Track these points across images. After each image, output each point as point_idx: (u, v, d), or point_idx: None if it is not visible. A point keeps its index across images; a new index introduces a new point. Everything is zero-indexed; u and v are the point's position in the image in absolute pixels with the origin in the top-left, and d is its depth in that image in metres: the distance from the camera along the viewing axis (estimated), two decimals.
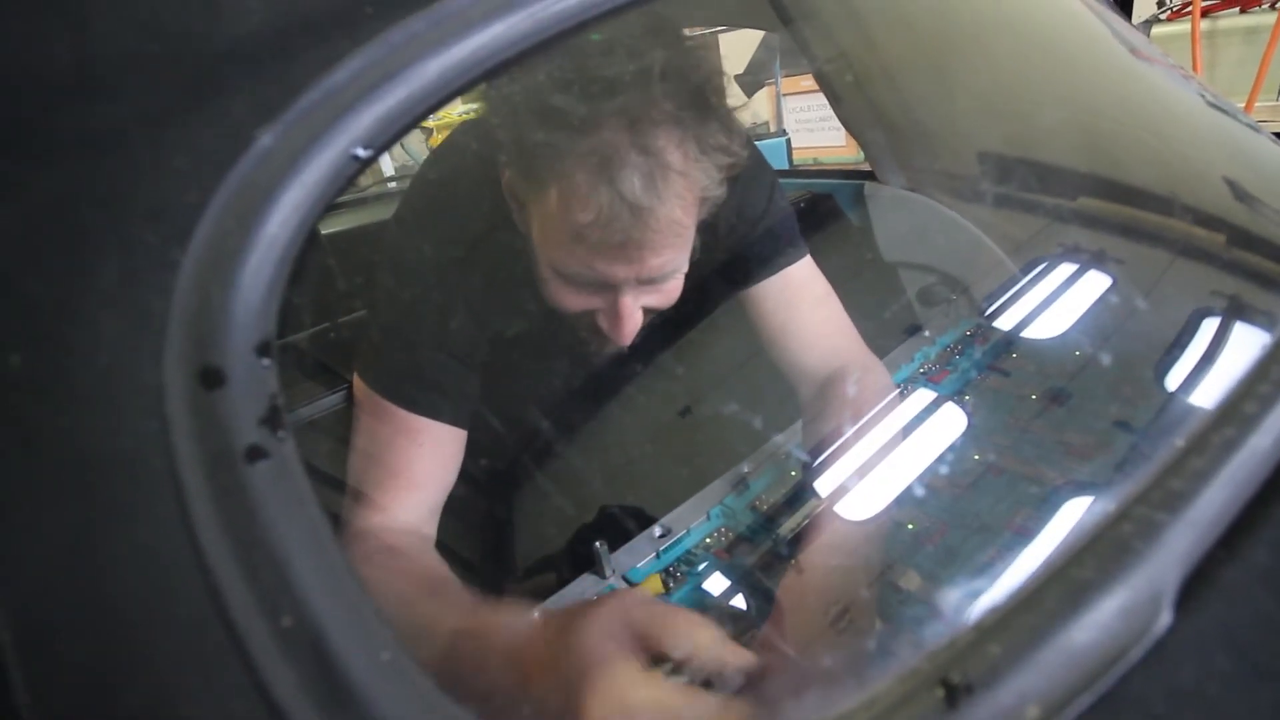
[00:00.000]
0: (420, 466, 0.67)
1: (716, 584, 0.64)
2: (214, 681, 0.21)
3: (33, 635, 0.21)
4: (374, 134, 0.31)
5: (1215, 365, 0.84)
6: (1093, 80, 1.07)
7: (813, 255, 0.82)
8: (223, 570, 0.22)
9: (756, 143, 0.85)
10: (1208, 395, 0.80)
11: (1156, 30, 2.79)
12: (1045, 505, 0.69)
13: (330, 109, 0.30)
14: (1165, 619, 0.22)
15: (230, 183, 0.28)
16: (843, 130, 1.27)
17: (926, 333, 0.89)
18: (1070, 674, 0.21)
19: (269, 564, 0.22)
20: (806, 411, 0.78)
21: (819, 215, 1.16)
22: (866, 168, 1.22)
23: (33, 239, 0.26)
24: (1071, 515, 0.66)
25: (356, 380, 0.71)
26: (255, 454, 0.24)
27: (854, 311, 0.85)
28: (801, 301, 0.79)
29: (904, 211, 1.10)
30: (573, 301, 0.67)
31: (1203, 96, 1.05)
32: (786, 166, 1.58)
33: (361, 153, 0.30)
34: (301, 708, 0.21)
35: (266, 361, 0.26)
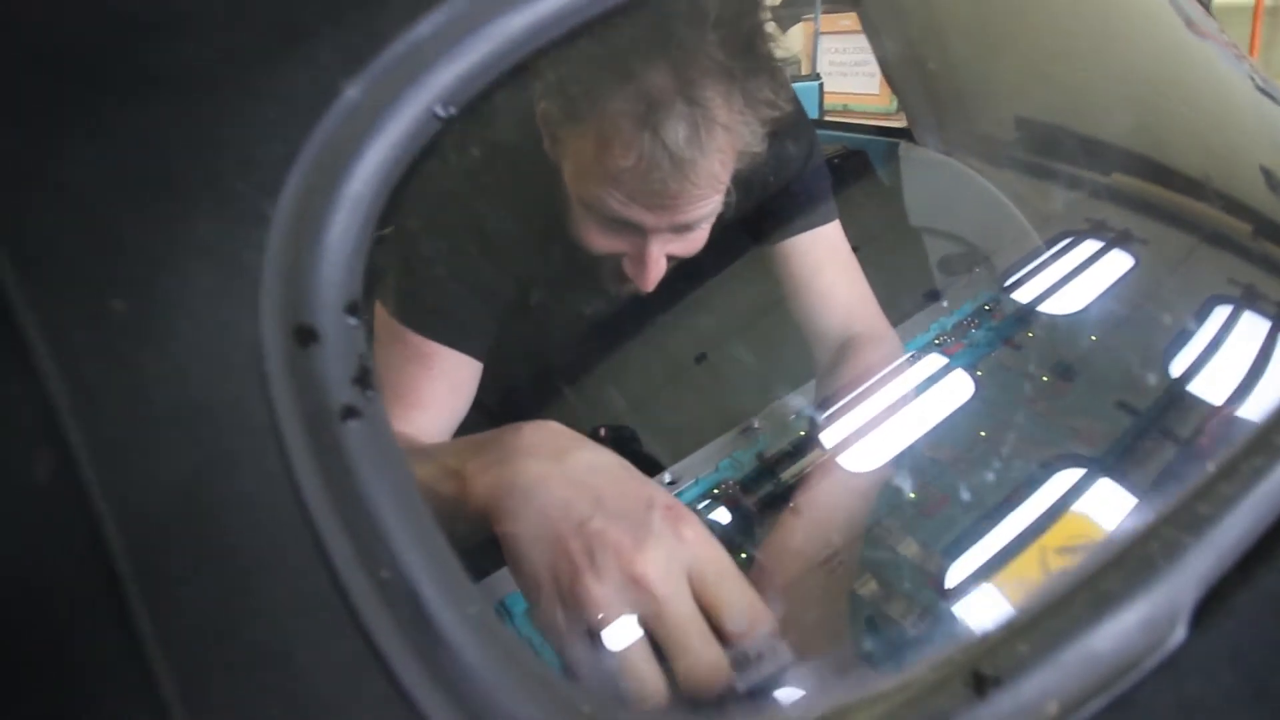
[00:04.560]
0: (430, 390, 0.69)
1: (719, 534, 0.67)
2: (320, 626, 0.23)
3: (153, 576, 0.23)
4: (456, 91, 0.31)
5: (1218, 354, 0.87)
6: (1142, 52, 1.05)
7: (840, 211, 0.82)
8: (325, 523, 0.24)
9: None
10: (1207, 383, 0.83)
11: (1219, 1, 2.69)
12: (1039, 481, 0.72)
13: (415, 63, 0.30)
14: (1180, 634, 0.25)
15: (318, 136, 0.28)
16: (877, 78, 1.24)
17: (945, 303, 0.90)
18: (1089, 677, 0.24)
19: (366, 519, 0.24)
20: (820, 374, 0.80)
21: (850, 171, 1.15)
22: (899, 122, 1.21)
23: (130, 182, 0.26)
24: (1064, 491, 0.69)
25: (377, 305, 0.72)
26: (349, 413, 0.26)
27: (873, 273, 0.86)
28: (827, 264, 0.81)
29: (937, 176, 1.09)
30: (599, 241, 0.67)
31: (1252, 80, 1.04)
32: (817, 114, 1.54)
33: (442, 111, 0.31)
34: (399, 652, 0.23)
35: (354, 321, 0.27)
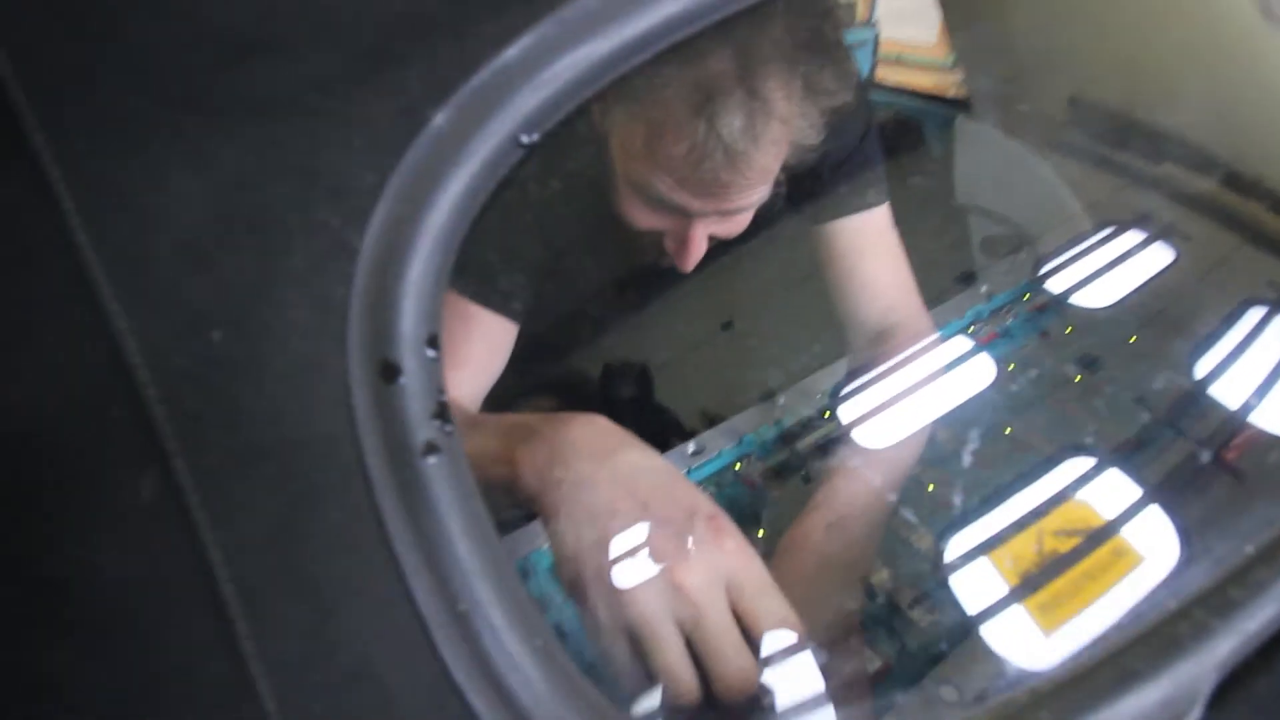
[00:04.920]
0: (469, 350, 0.69)
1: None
2: (403, 655, 0.24)
3: (254, 600, 0.24)
4: (539, 118, 0.30)
5: (1243, 357, 0.86)
6: (1207, 36, 0.98)
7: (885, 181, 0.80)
8: (407, 557, 0.25)
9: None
10: (1229, 386, 0.82)
11: None
12: (1048, 469, 0.72)
13: (500, 90, 0.29)
14: (1196, 715, 0.26)
15: (405, 165, 0.28)
16: (936, 26, 1.17)
17: (984, 288, 0.88)
18: None
19: (445, 555, 0.25)
20: (853, 361, 0.79)
21: (900, 141, 1.10)
22: (955, 83, 1.15)
23: (226, 212, 0.26)
24: (1070, 479, 0.70)
25: None
26: (430, 448, 0.26)
27: (911, 248, 0.84)
28: (871, 250, 0.78)
29: (991, 153, 1.05)
30: (642, 219, 0.66)
31: None
32: (870, 65, 1.45)
33: (526, 139, 0.30)
34: (473, 683, 0.24)
35: (434, 353, 0.28)
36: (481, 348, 0.71)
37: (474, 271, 0.70)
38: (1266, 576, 0.28)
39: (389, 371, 0.27)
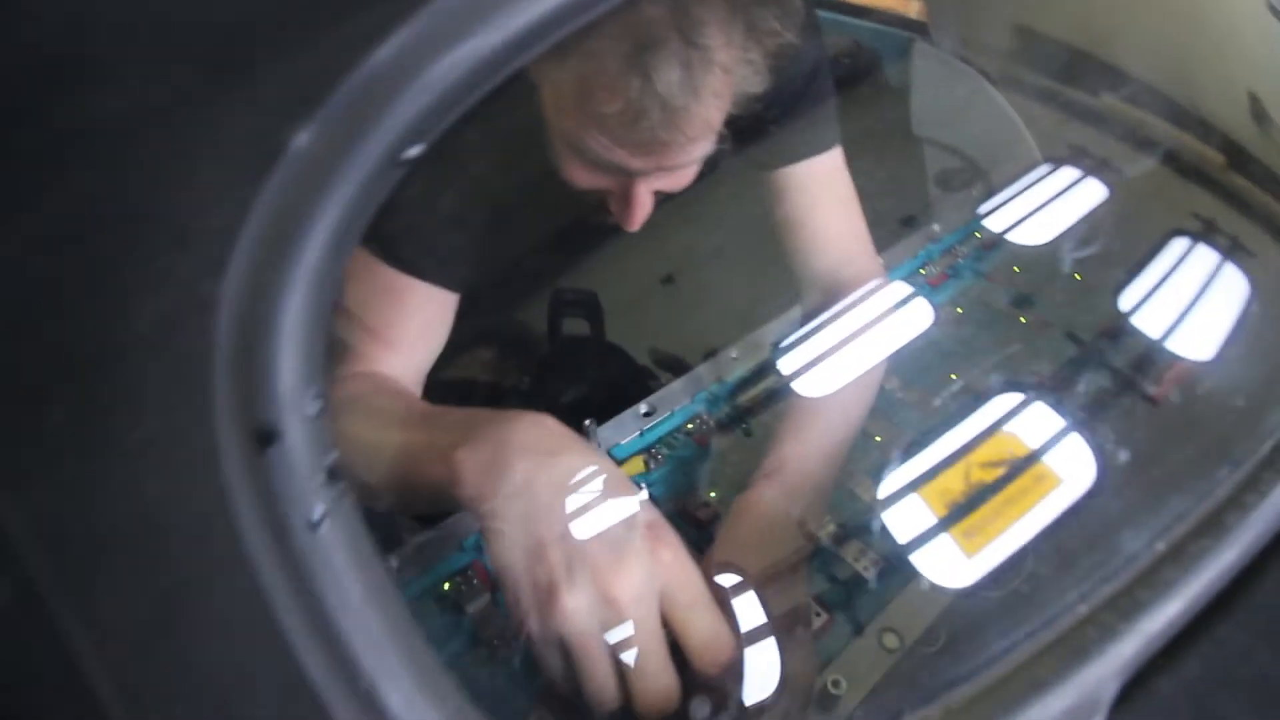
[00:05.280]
0: (406, 327, 0.65)
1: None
2: None
3: (135, 699, 0.22)
4: (423, 128, 0.26)
5: (1166, 287, 0.88)
6: None
7: (841, 112, 0.75)
8: (300, 639, 0.23)
9: None
10: (1152, 317, 0.84)
11: None
12: (979, 405, 0.74)
13: (372, 99, 0.25)
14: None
15: (265, 198, 0.23)
16: None
17: (936, 226, 0.87)
18: None
19: (343, 630, 0.23)
20: (806, 314, 0.77)
21: (857, 71, 1.04)
22: (915, 11, 1.08)
23: (53, 273, 0.22)
24: (1000, 414, 0.72)
25: None
26: (317, 520, 0.24)
27: (866, 182, 0.80)
28: (823, 198, 0.74)
29: (948, 82, 0.99)
30: (582, 178, 0.61)
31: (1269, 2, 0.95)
32: None
33: (409, 154, 0.26)
34: None
35: (319, 405, 0.25)
36: (418, 323, 0.66)
37: (405, 241, 0.64)
38: (1175, 575, 0.28)
39: (264, 437, 0.24)
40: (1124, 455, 0.67)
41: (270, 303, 0.24)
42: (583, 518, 0.36)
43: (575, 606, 0.35)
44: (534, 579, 0.36)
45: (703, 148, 0.58)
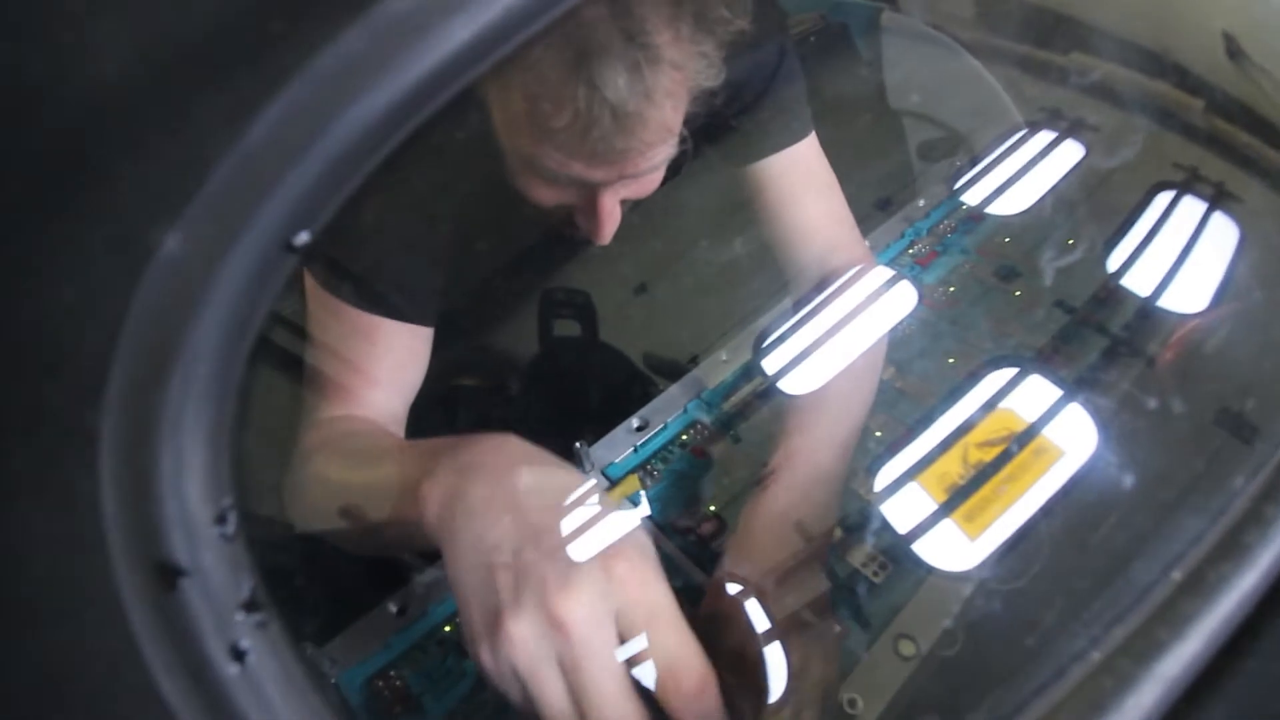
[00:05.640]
0: (379, 365, 0.62)
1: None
2: None
3: None
4: (312, 209, 0.23)
5: (1154, 244, 0.84)
6: None
7: (812, 93, 0.71)
8: None
9: None
10: (1142, 275, 0.81)
11: None
12: (973, 384, 0.71)
13: (249, 186, 0.21)
14: None
15: (136, 311, 0.20)
16: None
17: (920, 202, 0.83)
18: None
19: None
20: (797, 306, 0.73)
21: (827, 48, 1.00)
22: None
23: None
24: (994, 391, 0.69)
25: (306, 277, 0.62)
26: (238, 653, 0.21)
27: (849, 161, 0.77)
28: (802, 186, 0.71)
29: (921, 51, 0.95)
30: (543, 195, 0.57)
31: None
32: None
33: (300, 241, 0.23)
34: None
35: (230, 528, 0.22)
36: (392, 361, 0.63)
37: (368, 281, 0.61)
38: (1194, 608, 0.25)
39: (168, 574, 0.21)
40: (1126, 422, 0.64)
41: (156, 427, 0.21)
42: (534, 537, 0.32)
43: (520, 633, 0.31)
44: (482, 604, 0.32)
45: (664, 151, 0.54)
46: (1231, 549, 0.25)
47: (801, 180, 0.71)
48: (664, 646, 0.32)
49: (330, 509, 0.53)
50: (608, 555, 0.32)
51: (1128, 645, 0.24)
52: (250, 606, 0.21)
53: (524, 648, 0.31)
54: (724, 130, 0.68)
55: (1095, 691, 0.24)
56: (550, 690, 0.31)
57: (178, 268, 0.21)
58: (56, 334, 0.20)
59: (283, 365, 0.68)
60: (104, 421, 0.20)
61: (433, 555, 0.60)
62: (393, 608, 0.57)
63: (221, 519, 0.21)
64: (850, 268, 0.72)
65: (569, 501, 0.34)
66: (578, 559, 0.32)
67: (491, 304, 0.73)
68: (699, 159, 0.76)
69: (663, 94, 0.47)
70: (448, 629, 0.56)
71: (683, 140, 0.56)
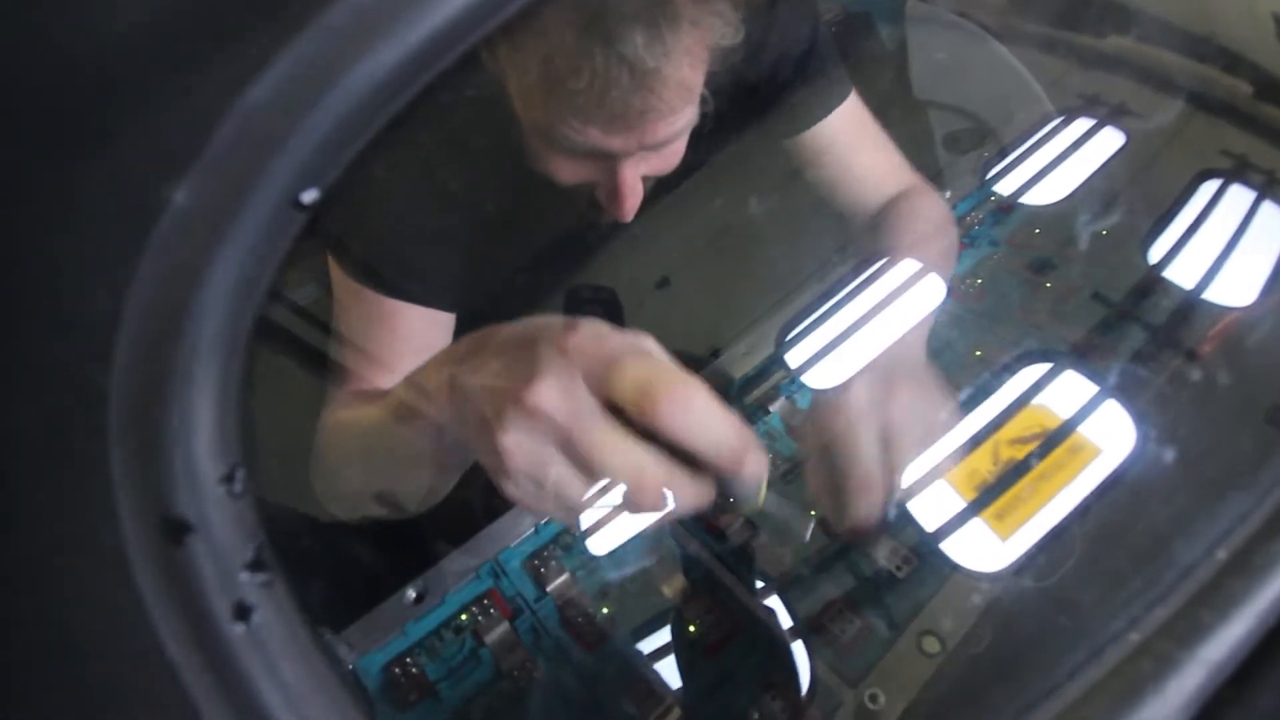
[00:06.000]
0: (398, 351, 0.62)
1: None
2: None
3: None
4: (320, 166, 0.23)
5: (1198, 234, 0.81)
6: None
7: None
8: None
9: None
10: (1186, 267, 0.78)
11: None
12: (1004, 380, 0.69)
13: (258, 142, 0.21)
14: None
15: (147, 268, 0.21)
16: None
17: (948, 193, 0.81)
18: None
19: None
20: (866, 231, 0.75)
21: (850, 39, 0.98)
22: None
23: None
24: (1027, 387, 0.67)
25: (331, 263, 0.63)
26: (242, 611, 0.21)
27: None
28: (858, 142, 0.73)
29: (947, 40, 0.93)
30: (563, 172, 0.56)
31: None
32: None
33: (308, 198, 0.23)
34: None
35: (237, 487, 0.22)
36: (412, 346, 0.64)
37: (389, 265, 0.62)
38: (1240, 589, 0.23)
39: (176, 529, 0.21)
40: (1167, 419, 0.62)
41: (166, 382, 0.21)
42: (493, 368, 0.32)
43: (511, 444, 0.30)
44: (480, 443, 0.32)
45: (684, 117, 0.53)
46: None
47: (855, 136, 0.73)
48: (635, 376, 0.30)
49: (353, 458, 0.54)
50: (559, 337, 0.31)
51: (1169, 627, 0.23)
52: (255, 566, 0.21)
53: (520, 452, 0.31)
54: (769, 105, 0.69)
55: (1134, 674, 0.22)
56: (558, 473, 0.31)
57: (186, 224, 0.21)
58: (65, 293, 0.20)
59: (307, 361, 0.69)
60: (113, 379, 0.20)
61: (453, 535, 0.60)
62: (411, 594, 0.57)
63: (229, 477, 0.21)
64: (913, 190, 0.74)
65: (519, 330, 0.34)
66: (529, 358, 0.31)
67: (514, 297, 0.73)
68: (723, 149, 0.76)
69: (681, 51, 0.47)
70: (464, 616, 0.56)
71: (704, 103, 0.55)
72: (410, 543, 0.64)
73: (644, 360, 0.31)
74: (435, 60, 0.24)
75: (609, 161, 0.54)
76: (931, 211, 0.74)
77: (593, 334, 0.32)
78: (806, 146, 0.71)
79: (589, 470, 0.30)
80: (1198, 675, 0.22)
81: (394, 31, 0.23)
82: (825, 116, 0.70)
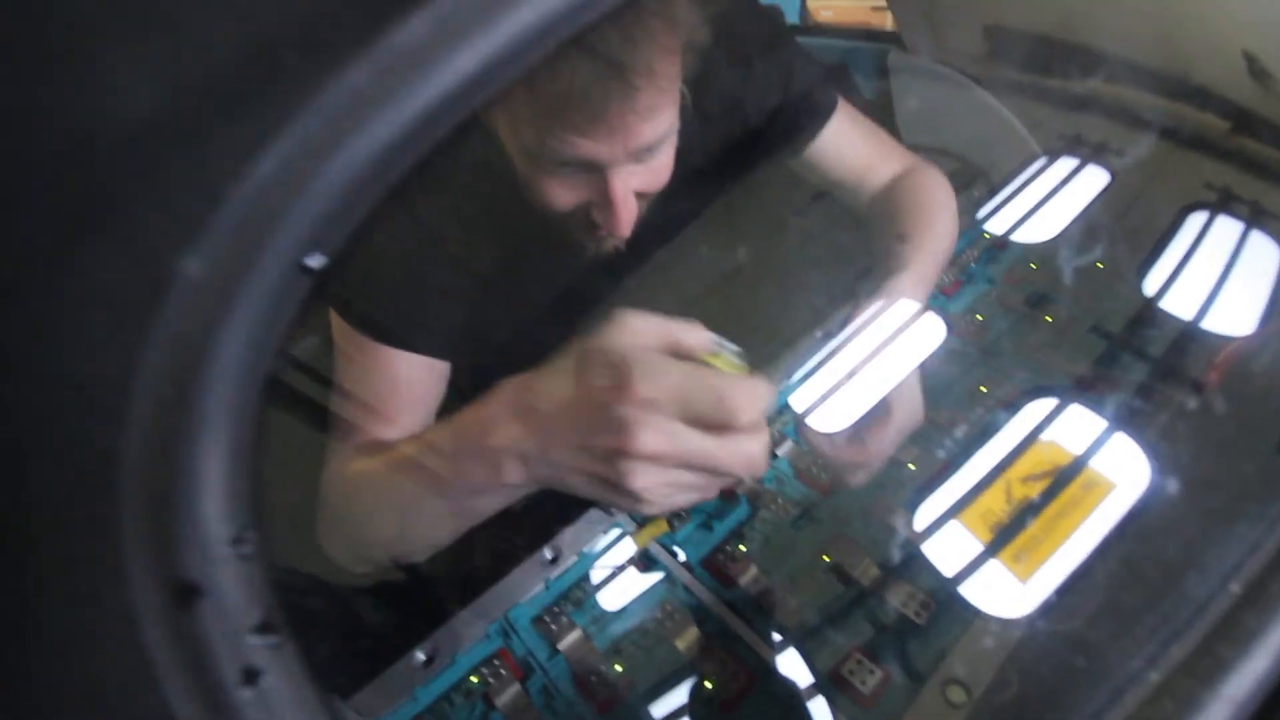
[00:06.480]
0: (398, 401, 0.64)
1: None
2: None
3: None
4: (324, 233, 0.24)
5: (1190, 265, 0.82)
6: None
7: None
8: None
9: None
10: (1180, 297, 0.78)
11: None
12: (1011, 417, 0.68)
13: (264, 211, 0.23)
14: None
15: (157, 335, 0.21)
16: None
17: None
18: None
19: None
20: (871, 213, 0.79)
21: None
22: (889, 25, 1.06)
23: None
24: (1035, 423, 0.66)
25: (333, 315, 0.65)
26: (251, 675, 0.21)
27: None
28: (856, 142, 0.77)
29: (930, 86, 0.97)
30: (558, 195, 0.58)
31: None
32: (797, 1, 1.36)
33: (314, 262, 0.24)
34: None
35: (247, 549, 0.22)
36: (411, 396, 0.65)
37: (388, 315, 0.63)
38: (1257, 622, 0.23)
39: (186, 593, 0.21)
40: (1178, 452, 0.61)
41: (176, 447, 0.21)
42: (580, 421, 0.39)
43: (643, 484, 0.38)
44: (604, 490, 0.40)
45: (666, 121, 0.55)
46: None
47: (851, 137, 0.77)
48: (708, 400, 0.38)
49: (368, 513, 0.56)
50: (619, 392, 0.38)
51: (1189, 664, 0.23)
52: (264, 629, 0.21)
53: (654, 487, 0.39)
54: (765, 135, 0.73)
55: (1157, 716, 0.22)
56: (700, 480, 0.40)
57: (196, 291, 0.22)
58: (80, 362, 0.21)
59: (308, 415, 0.69)
60: (123, 442, 0.21)
61: (462, 592, 0.59)
62: (420, 656, 0.56)
63: (238, 539, 0.22)
64: (929, 178, 0.78)
65: (579, 385, 0.40)
66: (610, 404, 0.38)
67: (514, 347, 0.74)
68: (714, 199, 0.78)
69: (654, 46, 0.49)
70: (474, 679, 0.55)
71: (683, 111, 0.58)
72: (419, 602, 0.63)
73: (707, 375, 0.39)
74: (429, 134, 0.25)
75: (599, 176, 0.56)
76: (931, 184, 0.78)
77: (648, 371, 0.38)
78: (810, 160, 0.76)
79: (712, 469, 0.39)
80: (1222, 713, 0.22)
81: (387, 110, 0.24)
82: (821, 130, 0.75)
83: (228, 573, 0.21)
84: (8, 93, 0.20)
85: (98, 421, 0.21)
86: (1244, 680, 0.22)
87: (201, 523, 0.21)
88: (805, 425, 0.66)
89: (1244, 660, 0.23)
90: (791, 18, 1.38)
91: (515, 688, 0.54)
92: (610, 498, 0.40)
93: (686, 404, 0.38)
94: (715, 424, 0.38)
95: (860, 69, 1.07)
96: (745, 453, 0.39)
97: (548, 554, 0.61)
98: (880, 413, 0.61)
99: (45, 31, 0.20)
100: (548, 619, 0.58)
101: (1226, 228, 0.83)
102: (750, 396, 0.39)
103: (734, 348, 0.44)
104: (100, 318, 0.21)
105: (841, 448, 0.61)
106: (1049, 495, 0.61)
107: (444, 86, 0.24)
